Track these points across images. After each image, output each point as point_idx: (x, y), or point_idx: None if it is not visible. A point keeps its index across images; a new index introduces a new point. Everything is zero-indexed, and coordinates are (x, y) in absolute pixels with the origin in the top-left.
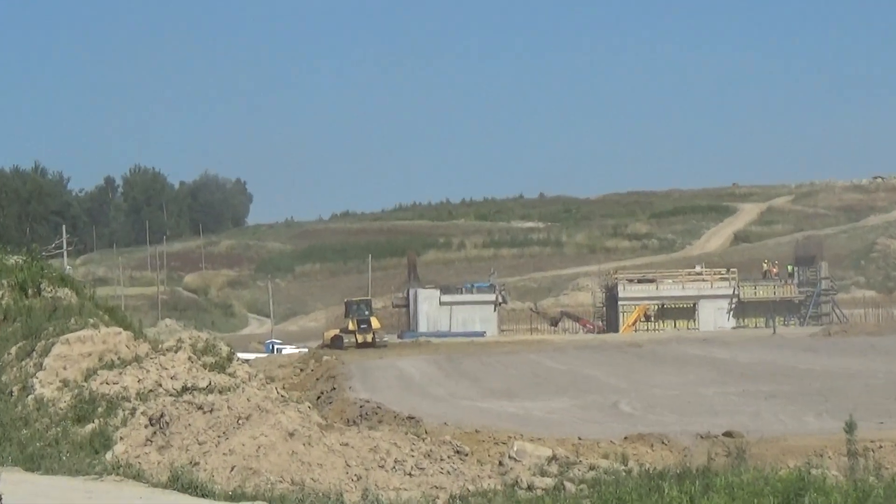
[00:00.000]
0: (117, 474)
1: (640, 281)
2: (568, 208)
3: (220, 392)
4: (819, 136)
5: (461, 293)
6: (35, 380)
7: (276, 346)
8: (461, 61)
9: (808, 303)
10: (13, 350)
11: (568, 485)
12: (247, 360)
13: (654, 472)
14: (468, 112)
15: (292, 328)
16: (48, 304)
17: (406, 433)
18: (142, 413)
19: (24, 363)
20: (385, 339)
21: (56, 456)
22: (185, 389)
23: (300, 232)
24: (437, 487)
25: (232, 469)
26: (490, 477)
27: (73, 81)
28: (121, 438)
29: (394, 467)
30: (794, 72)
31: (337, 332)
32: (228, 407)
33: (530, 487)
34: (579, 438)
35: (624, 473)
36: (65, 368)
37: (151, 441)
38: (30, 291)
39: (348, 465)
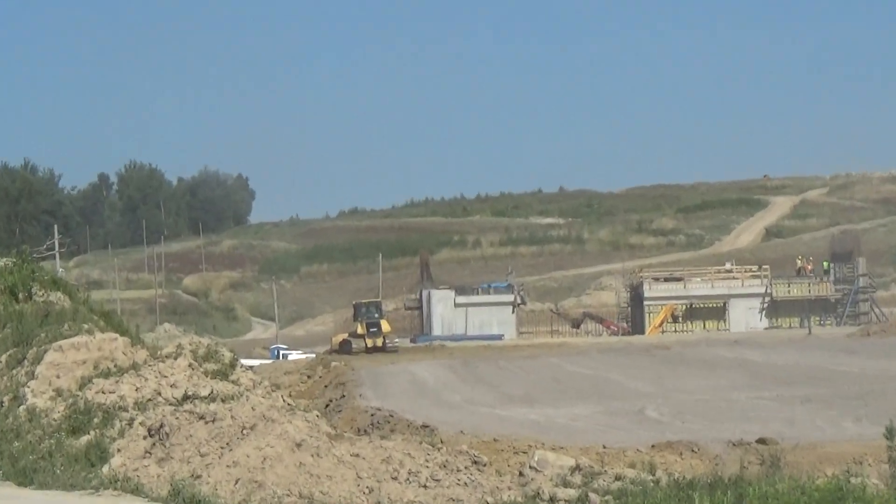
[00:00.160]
0: (115, 488)
1: (666, 279)
2: (590, 203)
3: (223, 401)
4: (855, 125)
5: (477, 294)
6: (27, 389)
7: (281, 352)
8: (476, 48)
9: (844, 301)
10: (3, 358)
11: (592, 496)
12: (251, 367)
13: (683, 481)
14: (483, 102)
15: (298, 332)
16: (40, 309)
17: (420, 443)
18: (140, 423)
19: (14, 372)
20: (396, 343)
21: (50, 470)
22: (185, 398)
23: (306, 230)
24: (453, 500)
25: (236, 482)
26: (510, 488)
27: (65, 73)
28: (118, 451)
29: (407, 479)
30: (828, 57)
31: (345, 336)
32: (232, 416)
33: (552, 499)
34: (604, 447)
35: (651, 484)
36: (58, 377)
37: (150, 453)
38: (20, 296)
39: (359, 478)
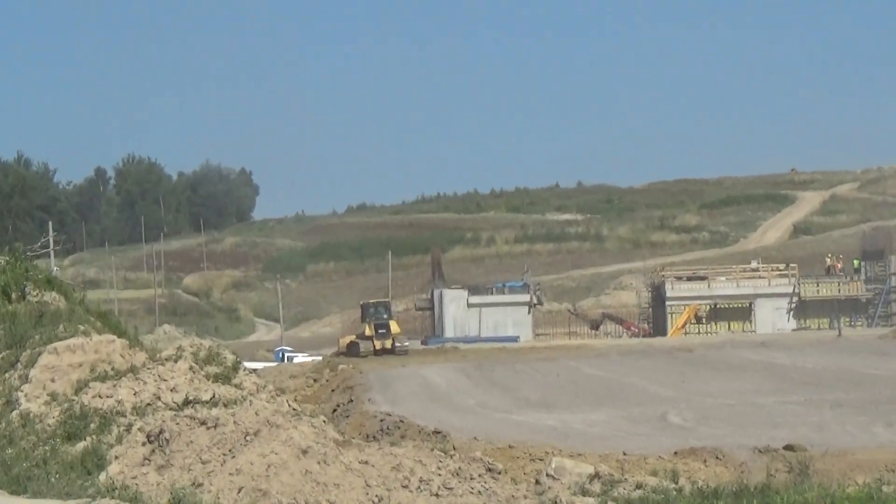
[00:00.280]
0: (112, 497)
1: (689, 279)
2: (609, 199)
3: (226, 405)
4: (887, 117)
5: (491, 294)
6: (20, 393)
7: (286, 354)
8: (491, 39)
9: (876, 301)
10: None
11: None
12: (254, 370)
13: (707, 490)
14: (498, 94)
15: (304, 334)
16: (34, 310)
17: (432, 449)
18: (139, 429)
19: (7, 375)
20: (406, 345)
21: (44, 477)
22: (186, 403)
23: (312, 227)
24: None
25: (239, 490)
26: (526, 497)
27: (60, 64)
28: (116, 457)
29: (419, 487)
30: (856, 47)
31: (353, 338)
32: (235, 422)
33: None
34: (624, 454)
35: (674, 492)
36: (53, 381)
37: (150, 460)
38: (13, 296)
39: (368, 486)
